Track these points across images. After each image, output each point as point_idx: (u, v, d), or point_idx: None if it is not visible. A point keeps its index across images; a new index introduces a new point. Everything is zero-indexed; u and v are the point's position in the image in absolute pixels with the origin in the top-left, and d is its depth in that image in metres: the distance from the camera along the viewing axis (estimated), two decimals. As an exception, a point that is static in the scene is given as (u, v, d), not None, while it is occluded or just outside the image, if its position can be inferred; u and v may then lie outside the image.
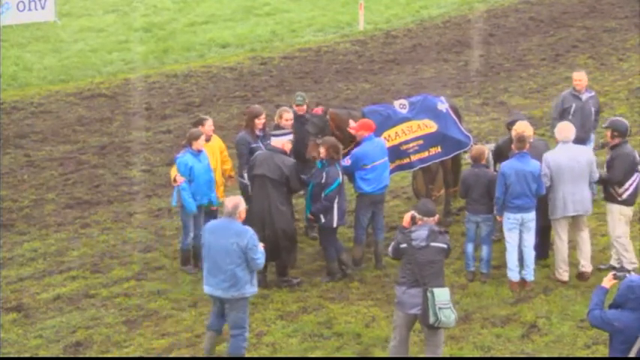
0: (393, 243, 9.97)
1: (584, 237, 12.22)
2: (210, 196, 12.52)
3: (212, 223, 10.35)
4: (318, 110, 12.83)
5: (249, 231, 10.01)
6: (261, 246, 10.11)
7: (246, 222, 10.49)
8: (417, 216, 9.85)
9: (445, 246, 9.78)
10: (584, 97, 13.94)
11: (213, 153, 12.72)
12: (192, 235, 12.47)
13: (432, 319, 9.57)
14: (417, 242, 9.68)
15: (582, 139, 13.50)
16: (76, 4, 28.11)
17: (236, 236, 9.88)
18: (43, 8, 25.70)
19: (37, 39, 24.38)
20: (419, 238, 9.69)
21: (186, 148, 12.39)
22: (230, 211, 10.01)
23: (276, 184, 11.78)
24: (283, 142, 12.03)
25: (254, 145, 12.67)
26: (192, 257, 12.74)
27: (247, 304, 10.23)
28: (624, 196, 12.12)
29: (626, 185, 12.09)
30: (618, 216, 12.15)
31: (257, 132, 12.77)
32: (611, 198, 12.22)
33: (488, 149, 12.85)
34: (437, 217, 9.94)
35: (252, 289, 10.11)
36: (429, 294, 9.57)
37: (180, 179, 12.25)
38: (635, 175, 12.10)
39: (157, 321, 11.51)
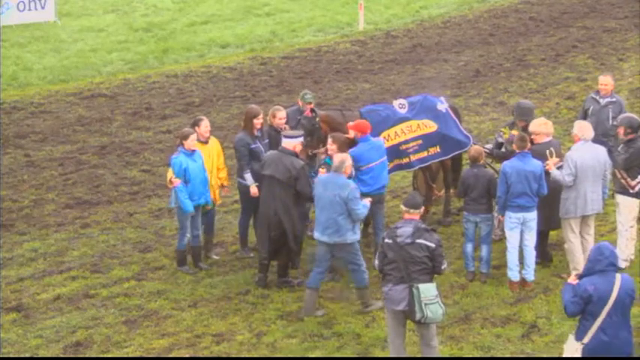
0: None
1: (590, 240, 12.24)
2: (205, 196, 12.52)
3: (322, 176, 11.52)
4: (308, 112, 12.83)
5: (351, 184, 11.26)
6: (367, 200, 11.37)
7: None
8: (404, 209, 9.95)
9: (432, 245, 9.74)
10: (604, 101, 13.84)
11: (210, 154, 12.69)
12: (188, 235, 12.47)
13: (418, 315, 9.67)
14: (402, 239, 9.74)
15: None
16: (75, 4, 28.10)
17: (339, 189, 11.13)
18: (43, 8, 25.69)
19: (37, 39, 24.38)
20: (404, 234, 9.75)
21: (180, 149, 12.38)
22: (337, 166, 11.28)
23: (284, 186, 11.74)
24: (295, 143, 11.91)
25: (253, 146, 12.66)
26: (195, 256, 12.75)
27: (356, 247, 11.39)
28: (636, 188, 12.20)
29: (639, 178, 12.14)
30: (629, 208, 12.24)
31: (255, 132, 12.76)
32: (622, 191, 12.27)
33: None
34: (422, 209, 10.05)
35: (353, 236, 11.31)
36: (414, 290, 9.65)
37: (176, 181, 12.24)
38: None
39: (156, 321, 11.51)
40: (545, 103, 19.15)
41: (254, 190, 12.61)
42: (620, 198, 12.33)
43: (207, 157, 12.63)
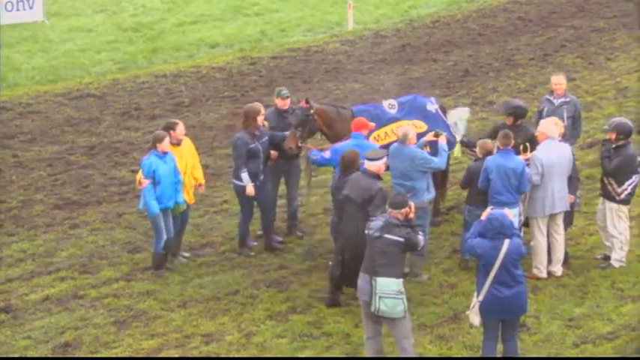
0: None
1: (560, 240, 12.30)
2: (176, 198, 12.45)
3: (392, 147, 12.16)
4: (303, 103, 12.88)
5: (417, 152, 12.04)
6: (441, 139, 12.37)
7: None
8: (387, 209, 10.15)
9: (401, 239, 9.91)
10: (558, 102, 13.78)
11: (182, 156, 12.64)
12: (165, 237, 12.40)
13: (372, 307, 9.90)
14: (372, 232, 9.98)
15: None
16: (64, 4, 28.00)
17: (409, 160, 11.92)
18: (31, 8, 25.58)
19: (26, 39, 24.29)
20: (374, 227, 9.99)
21: (151, 151, 12.35)
22: (401, 139, 12.08)
23: (359, 207, 11.17)
24: (379, 165, 11.33)
25: (252, 146, 12.67)
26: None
27: (426, 213, 12.19)
28: (622, 196, 12.27)
29: (625, 185, 12.23)
30: (618, 213, 12.31)
31: (256, 131, 12.76)
32: (609, 196, 12.33)
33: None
34: (405, 210, 10.05)
35: (429, 195, 12.21)
36: (373, 282, 9.86)
37: (145, 182, 12.21)
38: (635, 177, 12.23)
39: (146, 321, 11.50)
40: (534, 102, 19.14)
41: (250, 189, 12.64)
42: (608, 204, 12.37)
43: (180, 159, 12.57)
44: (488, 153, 12.24)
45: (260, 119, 12.77)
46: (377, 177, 11.26)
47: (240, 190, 12.84)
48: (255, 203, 13.09)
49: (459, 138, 13.32)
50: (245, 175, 12.66)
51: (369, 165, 11.30)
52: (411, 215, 10.11)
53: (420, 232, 10.17)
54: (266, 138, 12.84)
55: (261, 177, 12.93)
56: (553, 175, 12.00)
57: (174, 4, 27.93)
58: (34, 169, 16.51)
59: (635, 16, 25.24)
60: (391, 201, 10.17)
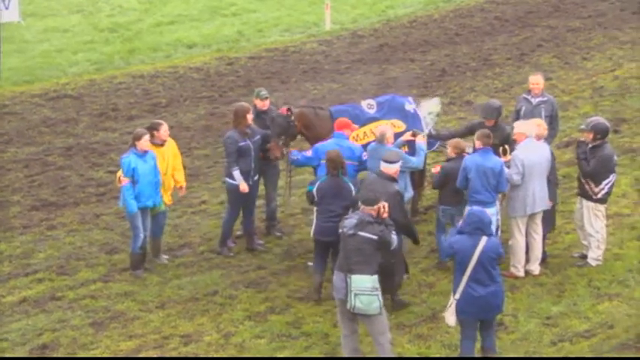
0: None
1: (538, 239, 12.37)
2: (155, 198, 12.44)
3: (370, 147, 12.18)
4: (284, 110, 12.86)
5: (398, 151, 11.96)
6: (419, 140, 12.46)
7: None
8: (360, 205, 10.16)
9: (375, 237, 9.93)
10: (535, 101, 13.83)
11: (164, 157, 12.62)
12: (142, 236, 12.37)
13: (348, 305, 9.96)
14: (345, 230, 10.01)
15: None
16: (40, 4, 27.85)
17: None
18: (7, 9, 25.39)
19: (1, 39, 24.12)
20: (348, 225, 10.02)
21: (131, 149, 12.32)
22: (379, 138, 12.14)
23: None
24: (395, 168, 11.31)
25: (242, 144, 12.66)
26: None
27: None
28: (599, 195, 12.34)
29: (602, 185, 12.29)
30: (595, 212, 12.39)
31: (246, 130, 12.74)
32: (586, 195, 12.40)
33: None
34: (377, 207, 10.05)
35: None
36: (348, 279, 9.92)
37: (124, 180, 12.18)
38: (612, 176, 12.31)
39: (124, 323, 11.47)
40: (511, 102, 19.23)
41: (244, 186, 12.62)
42: (585, 203, 12.44)
43: (162, 160, 12.55)
44: (462, 152, 12.29)
45: (250, 117, 12.78)
46: (393, 180, 11.23)
47: (232, 189, 12.83)
48: None
49: (426, 131, 13.33)
50: (237, 174, 12.65)
51: (385, 168, 11.27)
52: (385, 215, 10.11)
53: (394, 231, 10.19)
54: (258, 137, 12.84)
55: (256, 177, 12.93)
56: (533, 174, 12.06)
57: (151, 5, 27.84)
58: (10, 171, 16.42)
59: (611, 16, 25.42)
60: (364, 197, 10.19)
